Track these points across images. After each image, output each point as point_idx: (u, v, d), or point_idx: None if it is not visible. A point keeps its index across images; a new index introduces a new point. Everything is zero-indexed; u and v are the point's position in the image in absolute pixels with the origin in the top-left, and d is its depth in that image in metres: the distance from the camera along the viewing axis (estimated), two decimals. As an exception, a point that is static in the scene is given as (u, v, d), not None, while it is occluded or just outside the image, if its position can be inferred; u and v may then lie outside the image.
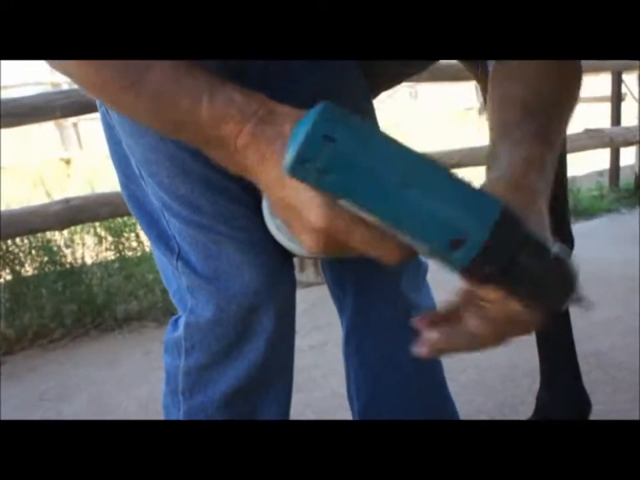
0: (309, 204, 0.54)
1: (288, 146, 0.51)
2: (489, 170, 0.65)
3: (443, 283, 2.65)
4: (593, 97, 5.44)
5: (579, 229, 3.40)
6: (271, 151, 0.56)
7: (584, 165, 4.99)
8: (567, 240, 1.32)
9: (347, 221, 0.53)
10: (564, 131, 0.72)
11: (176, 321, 0.88)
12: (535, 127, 0.67)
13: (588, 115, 5.32)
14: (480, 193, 0.48)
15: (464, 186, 0.48)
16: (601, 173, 4.59)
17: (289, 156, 0.49)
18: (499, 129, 0.68)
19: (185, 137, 0.64)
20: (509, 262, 0.47)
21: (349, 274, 0.92)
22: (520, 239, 0.48)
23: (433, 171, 0.48)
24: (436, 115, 8.03)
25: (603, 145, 4.03)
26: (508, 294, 0.50)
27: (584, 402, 1.37)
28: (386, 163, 0.47)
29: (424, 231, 0.47)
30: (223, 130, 0.59)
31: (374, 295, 0.91)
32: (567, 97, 0.73)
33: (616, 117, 4.31)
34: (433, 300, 1.00)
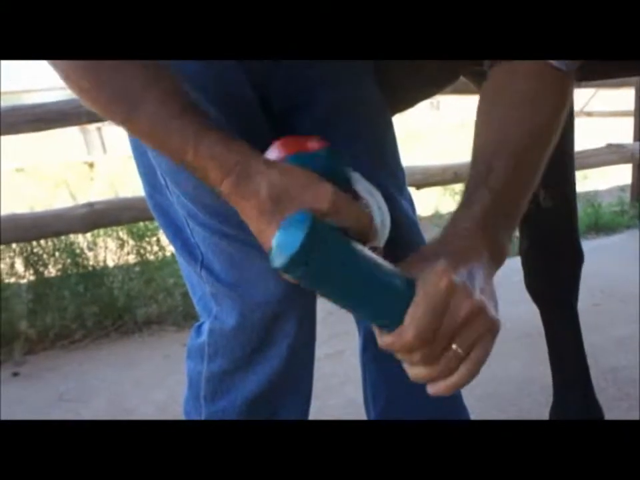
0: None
1: (276, 241, 0.63)
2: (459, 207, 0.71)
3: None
4: (616, 112, 5.40)
5: (599, 244, 3.38)
6: (249, 205, 0.66)
7: (605, 180, 4.96)
8: (576, 255, 1.32)
9: None
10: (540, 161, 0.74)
11: (199, 327, 0.89)
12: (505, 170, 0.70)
13: (610, 130, 5.28)
14: (397, 292, 0.62)
15: (390, 287, 0.62)
16: (622, 189, 4.55)
17: (281, 258, 0.60)
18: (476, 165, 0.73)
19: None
20: None
21: None
22: None
23: (375, 280, 0.62)
24: (457, 126, 7.98)
25: (625, 161, 4.00)
26: None
27: (597, 416, 1.37)
28: (348, 272, 0.61)
29: (364, 317, 0.66)
30: (207, 175, 0.67)
31: None
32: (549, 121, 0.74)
33: (639, 132, 4.27)
34: None
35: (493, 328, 0.62)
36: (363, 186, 0.80)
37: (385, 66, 0.89)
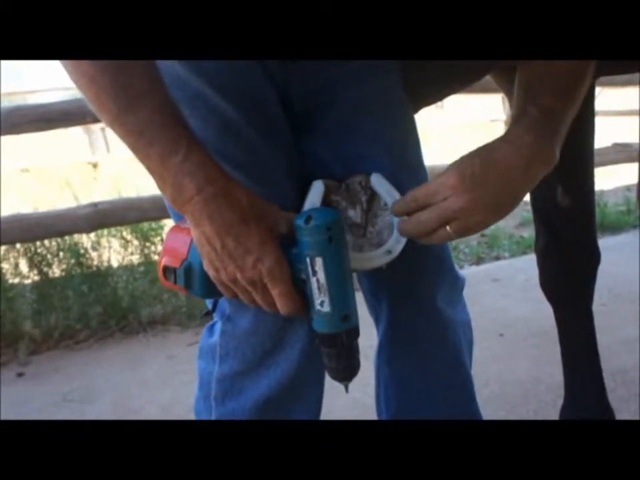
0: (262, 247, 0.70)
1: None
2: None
3: (479, 296, 2.64)
4: (622, 111, 5.38)
5: (604, 243, 3.34)
6: (231, 212, 0.69)
7: (611, 180, 4.94)
8: (592, 254, 1.31)
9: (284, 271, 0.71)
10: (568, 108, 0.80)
11: (211, 326, 0.89)
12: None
13: (616, 129, 5.26)
14: None
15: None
16: (628, 188, 4.53)
17: (319, 220, 0.71)
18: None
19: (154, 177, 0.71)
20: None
21: (384, 287, 0.92)
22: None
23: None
24: (462, 125, 7.96)
25: (631, 160, 3.98)
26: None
27: (609, 417, 1.35)
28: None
29: (340, 303, 0.74)
30: (182, 183, 0.68)
31: (409, 308, 0.91)
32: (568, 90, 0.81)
33: (645, 132, 4.25)
34: (469, 315, 0.99)
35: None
36: (384, 187, 0.80)
37: (411, 63, 0.87)
